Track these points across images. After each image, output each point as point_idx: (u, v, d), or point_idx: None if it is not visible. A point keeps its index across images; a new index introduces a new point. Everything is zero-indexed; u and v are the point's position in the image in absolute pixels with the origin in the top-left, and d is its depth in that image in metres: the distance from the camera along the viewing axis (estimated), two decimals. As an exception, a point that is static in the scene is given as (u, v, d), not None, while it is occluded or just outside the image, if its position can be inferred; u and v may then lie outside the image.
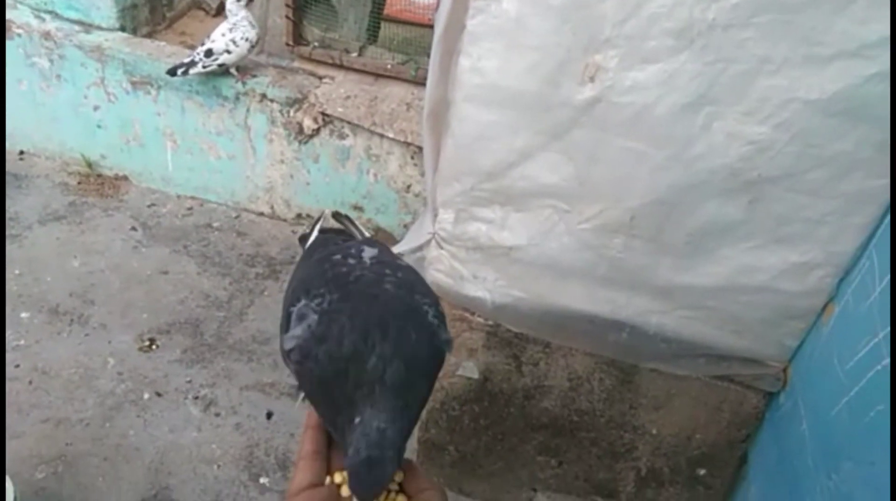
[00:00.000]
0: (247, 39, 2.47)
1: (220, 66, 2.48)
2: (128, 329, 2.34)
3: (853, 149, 1.19)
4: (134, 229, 2.75)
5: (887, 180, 1.21)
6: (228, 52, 2.46)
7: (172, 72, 2.49)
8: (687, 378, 1.57)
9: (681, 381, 1.58)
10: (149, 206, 2.87)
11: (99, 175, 2.96)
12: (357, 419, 0.71)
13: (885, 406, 1.08)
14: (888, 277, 1.16)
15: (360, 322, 0.75)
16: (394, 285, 0.82)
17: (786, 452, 1.45)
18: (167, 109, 2.71)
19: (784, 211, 1.29)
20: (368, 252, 0.90)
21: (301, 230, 2.81)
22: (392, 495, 0.77)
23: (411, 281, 0.86)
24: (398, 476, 0.78)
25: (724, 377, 1.55)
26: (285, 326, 0.83)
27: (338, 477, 0.77)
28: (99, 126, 2.84)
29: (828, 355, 1.33)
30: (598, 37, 1.21)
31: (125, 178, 2.96)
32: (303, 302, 0.80)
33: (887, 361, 1.10)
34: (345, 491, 0.76)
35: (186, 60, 2.49)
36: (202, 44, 2.49)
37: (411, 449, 1.84)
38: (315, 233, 1.13)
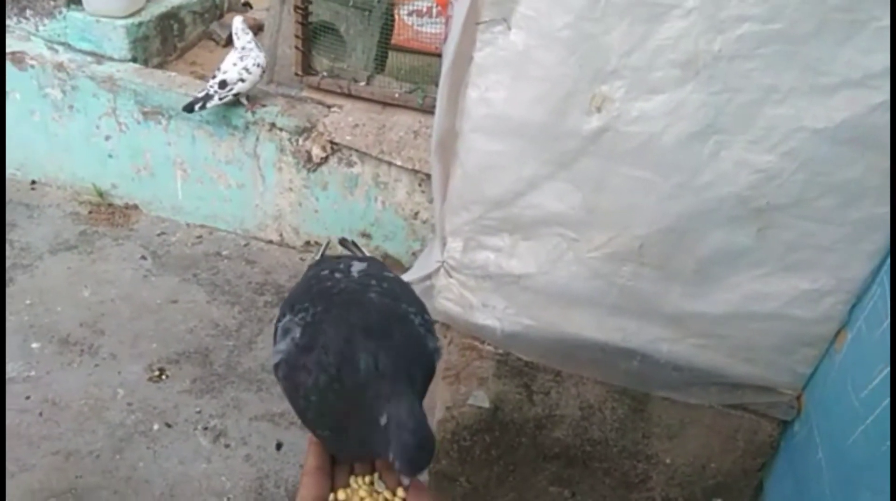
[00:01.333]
0: (258, 65, 2.50)
1: (235, 95, 2.50)
2: (137, 359, 2.34)
3: (861, 176, 1.19)
4: (144, 257, 2.76)
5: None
6: (242, 80, 2.48)
7: (189, 108, 2.49)
8: (700, 407, 1.56)
9: (694, 410, 1.56)
10: (159, 235, 2.89)
11: (110, 204, 2.99)
12: (383, 420, 0.71)
13: (902, 437, 1.07)
14: (901, 304, 1.15)
15: (344, 328, 0.76)
16: (378, 294, 0.82)
17: (802, 481, 1.43)
18: (178, 139, 2.74)
19: (793, 238, 1.28)
20: (357, 266, 0.91)
21: (310, 257, 2.83)
22: None
23: (396, 291, 0.86)
24: (400, 492, 0.78)
25: (737, 405, 1.54)
26: (273, 342, 0.84)
27: (341, 494, 0.77)
28: (110, 156, 2.87)
29: (842, 382, 1.31)
30: (604, 68, 1.22)
31: (135, 207, 2.99)
32: (287, 317, 0.81)
33: (903, 390, 1.09)
34: None
35: (201, 94, 2.50)
36: (213, 76, 2.52)
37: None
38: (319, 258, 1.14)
